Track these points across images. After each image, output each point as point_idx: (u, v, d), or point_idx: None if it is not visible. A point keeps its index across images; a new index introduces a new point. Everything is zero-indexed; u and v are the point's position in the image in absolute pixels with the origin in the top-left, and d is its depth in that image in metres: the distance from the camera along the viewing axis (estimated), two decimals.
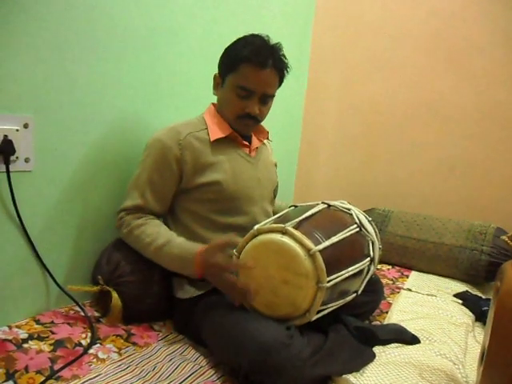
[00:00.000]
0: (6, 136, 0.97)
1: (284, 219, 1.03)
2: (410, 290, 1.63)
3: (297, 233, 0.94)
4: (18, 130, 1.00)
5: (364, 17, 2.23)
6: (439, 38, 2.08)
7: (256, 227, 1.00)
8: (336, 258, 0.98)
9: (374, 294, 1.30)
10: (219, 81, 1.20)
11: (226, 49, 1.19)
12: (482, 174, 2.04)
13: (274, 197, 1.38)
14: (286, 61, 1.18)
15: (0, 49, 0.94)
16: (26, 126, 1.01)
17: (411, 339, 1.17)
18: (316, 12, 2.29)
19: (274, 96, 1.20)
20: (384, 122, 2.24)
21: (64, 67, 1.08)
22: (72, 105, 1.12)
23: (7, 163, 0.98)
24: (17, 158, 1.00)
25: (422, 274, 1.84)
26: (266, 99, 1.18)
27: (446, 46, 2.06)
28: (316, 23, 2.29)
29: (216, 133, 1.19)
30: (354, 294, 1.08)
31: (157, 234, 1.10)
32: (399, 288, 1.65)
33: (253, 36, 1.17)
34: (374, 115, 2.26)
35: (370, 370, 1.02)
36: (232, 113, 1.17)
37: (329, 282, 0.93)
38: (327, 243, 0.96)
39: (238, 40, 1.17)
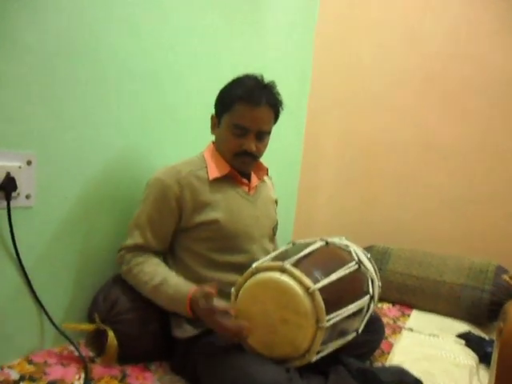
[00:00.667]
0: (8, 173, 0.99)
1: (283, 257, 1.03)
2: (411, 329, 1.60)
3: (296, 271, 0.93)
4: (20, 167, 1.01)
5: (362, 58, 2.31)
6: (435, 79, 2.14)
7: (254, 265, 0.99)
8: (335, 297, 0.97)
9: (374, 333, 1.28)
10: (216, 121, 1.23)
11: (220, 90, 1.23)
12: (482, 211, 2.05)
13: (274, 234, 1.38)
14: (279, 98, 1.21)
15: (4, 87, 0.97)
16: (28, 162, 1.03)
17: (414, 382, 1.13)
18: (315, 53, 2.37)
19: (269, 132, 1.23)
20: (383, 161, 2.27)
21: (67, 106, 1.11)
22: (74, 142, 1.14)
23: (8, 199, 0.98)
24: (18, 194, 1.01)
25: (423, 312, 1.81)
26: (261, 136, 1.20)
27: (441, 86, 2.12)
28: (315, 64, 2.37)
29: (215, 171, 1.20)
30: (355, 333, 1.06)
31: (154, 272, 1.10)
32: (400, 327, 1.62)
33: (246, 76, 1.20)
34: (372, 154, 2.29)
35: None
36: (229, 151, 1.19)
37: (328, 321, 0.92)
38: (326, 281, 0.95)
39: (232, 81, 1.21)
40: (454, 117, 2.10)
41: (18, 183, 1.00)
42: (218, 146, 1.25)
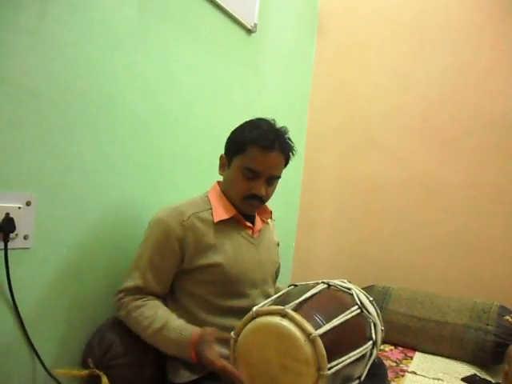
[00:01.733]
0: (7, 214, 0.98)
1: (283, 300, 1.01)
2: (415, 373, 1.55)
3: (297, 316, 0.91)
4: (20, 208, 1.01)
5: (357, 99, 2.36)
6: (429, 120, 2.18)
7: (254, 309, 0.97)
8: (337, 343, 0.95)
9: (377, 379, 1.23)
10: (225, 162, 1.23)
11: (233, 131, 1.23)
12: (482, 249, 2.04)
13: (276, 277, 1.36)
14: (291, 143, 1.22)
15: (5, 129, 0.98)
16: (28, 203, 1.02)
17: None
18: (312, 94, 2.43)
19: (279, 177, 1.23)
20: (381, 200, 2.28)
21: (68, 148, 1.12)
22: (74, 184, 1.14)
23: (6, 240, 0.97)
24: (16, 235, 1.00)
25: (426, 355, 1.77)
26: (272, 180, 1.20)
27: (436, 127, 2.16)
28: (312, 104, 2.42)
29: (220, 214, 1.19)
30: (357, 381, 1.03)
31: (154, 316, 1.07)
32: (403, 371, 1.57)
33: (259, 120, 1.21)
34: (370, 193, 2.30)
35: None
36: (238, 193, 1.18)
37: (330, 368, 0.89)
38: (328, 327, 0.93)
39: (246, 123, 1.22)
40: (449, 157, 2.13)
41: (16, 224, 0.99)
42: (225, 186, 1.24)
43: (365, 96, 2.34)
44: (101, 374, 1.05)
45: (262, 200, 1.20)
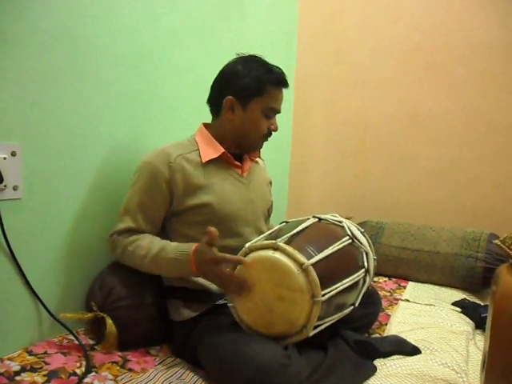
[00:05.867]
0: None
1: (275, 235, 1.03)
2: (408, 300, 1.62)
3: (289, 248, 0.94)
4: (5, 159, 0.99)
5: (346, 34, 2.28)
6: (419, 51, 2.12)
7: (247, 245, 1.00)
8: (330, 271, 0.98)
9: (371, 306, 1.29)
10: (235, 104, 1.18)
11: (233, 72, 1.18)
12: (472, 181, 2.06)
13: (269, 215, 1.38)
14: None
15: None
16: (13, 153, 1.01)
17: (412, 350, 1.16)
18: (299, 31, 2.34)
19: None
20: (372, 136, 2.26)
21: (50, 95, 1.09)
22: (59, 132, 1.12)
23: None
24: (5, 186, 1.00)
25: (419, 284, 1.83)
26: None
27: (426, 58, 2.11)
28: (300, 42, 2.34)
29: (208, 154, 1.18)
30: (352, 307, 1.07)
31: (150, 244, 1.10)
32: (397, 299, 1.64)
33: (256, 57, 1.21)
34: (361, 129, 2.29)
35: (372, 383, 1.00)
36: (260, 133, 1.21)
37: (324, 295, 0.93)
38: (320, 256, 0.95)
39: (246, 62, 1.19)
40: (439, 87, 2.10)
41: (3, 175, 0.99)
42: (230, 129, 1.21)
43: (353, 29, 2.26)
44: (105, 315, 1.09)
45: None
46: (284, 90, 1.23)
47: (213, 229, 0.99)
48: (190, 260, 1.02)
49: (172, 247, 1.08)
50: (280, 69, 1.22)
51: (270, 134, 1.24)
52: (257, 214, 1.26)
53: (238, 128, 1.21)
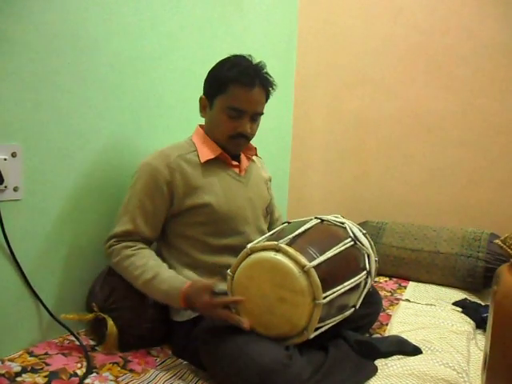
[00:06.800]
0: None
1: (277, 236, 1.03)
2: (408, 300, 1.62)
3: (290, 250, 0.93)
4: (6, 160, 0.99)
5: (346, 34, 2.28)
6: (420, 51, 2.11)
7: (249, 246, 0.99)
8: (331, 274, 0.98)
9: (372, 306, 1.29)
10: (206, 103, 1.20)
11: (210, 71, 1.20)
12: (473, 180, 2.05)
13: (268, 213, 1.38)
14: (271, 78, 1.20)
15: None
16: (14, 154, 1.01)
17: (413, 350, 1.16)
18: (299, 31, 2.33)
19: (262, 113, 1.22)
20: (373, 136, 2.26)
21: (51, 95, 1.08)
22: (60, 132, 1.12)
23: None
24: (5, 187, 1.00)
25: (419, 284, 1.83)
26: (255, 117, 1.19)
27: (427, 58, 2.10)
28: (300, 42, 2.34)
29: (206, 154, 1.19)
30: (353, 309, 1.07)
31: (145, 266, 1.08)
32: (398, 299, 1.64)
33: (236, 57, 1.18)
34: (362, 129, 2.28)
35: (373, 383, 1.00)
36: (223, 133, 1.17)
37: (325, 298, 0.92)
38: (321, 259, 0.95)
39: (223, 62, 1.19)
40: (439, 87, 2.09)
41: (4, 176, 0.99)
42: (208, 128, 1.22)
43: (353, 29, 2.25)
44: (105, 316, 1.09)
45: (247, 138, 1.20)
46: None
47: (216, 283, 1.00)
48: (179, 299, 1.01)
49: (165, 278, 1.06)
50: (257, 68, 1.16)
51: (241, 136, 1.17)
52: (256, 212, 1.26)
53: (208, 127, 1.22)
